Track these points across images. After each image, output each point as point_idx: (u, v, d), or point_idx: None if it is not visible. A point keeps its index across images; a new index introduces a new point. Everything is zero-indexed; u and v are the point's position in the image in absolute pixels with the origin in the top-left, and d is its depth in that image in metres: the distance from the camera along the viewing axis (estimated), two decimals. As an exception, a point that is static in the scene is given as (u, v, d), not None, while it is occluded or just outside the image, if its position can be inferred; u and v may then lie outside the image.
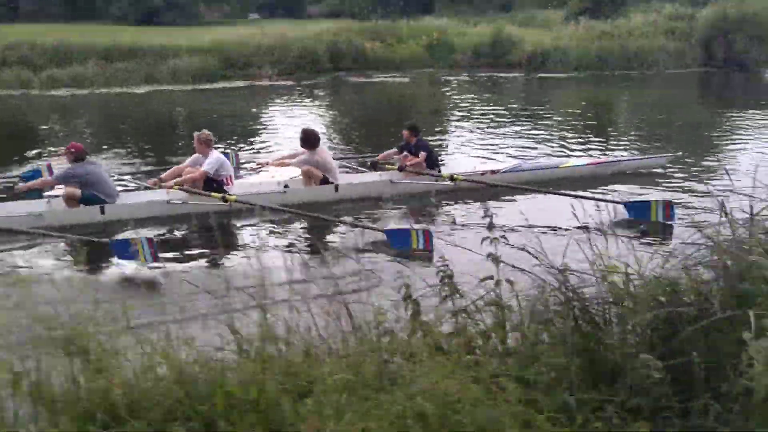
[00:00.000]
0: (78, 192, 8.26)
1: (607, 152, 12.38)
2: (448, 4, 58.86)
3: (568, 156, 11.98)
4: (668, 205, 7.98)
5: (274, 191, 9.01)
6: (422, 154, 9.70)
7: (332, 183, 9.27)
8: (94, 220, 8.19)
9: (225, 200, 8.18)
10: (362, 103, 20.66)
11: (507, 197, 9.23)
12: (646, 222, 7.91)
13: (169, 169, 9.38)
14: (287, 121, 16.34)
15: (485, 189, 9.32)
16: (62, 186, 8.46)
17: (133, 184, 9.77)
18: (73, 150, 8.44)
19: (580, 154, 12.19)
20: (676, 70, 26.97)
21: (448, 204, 9.15)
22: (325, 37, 27.44)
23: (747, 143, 13.42)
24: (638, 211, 8.07)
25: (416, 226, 7.35)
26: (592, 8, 35.56)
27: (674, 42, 28.04)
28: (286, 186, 9.23)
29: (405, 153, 9.86)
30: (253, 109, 19.26)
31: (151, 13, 43.90)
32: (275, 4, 67.90)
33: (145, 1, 41.38)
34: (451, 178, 9.31)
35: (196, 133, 8.97)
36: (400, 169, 9.64)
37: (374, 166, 10.19)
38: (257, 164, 10.53)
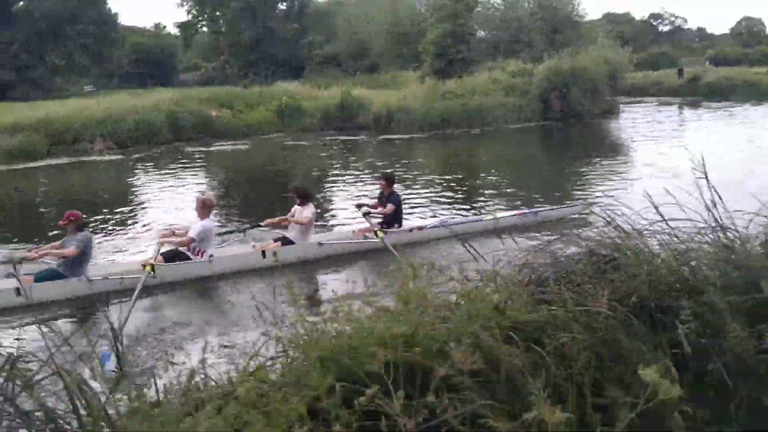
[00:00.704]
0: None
1: (482, 210, 12.29)
2: (317, 69, 59.79)
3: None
4: None
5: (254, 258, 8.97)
6: (390, 206, 9.84)
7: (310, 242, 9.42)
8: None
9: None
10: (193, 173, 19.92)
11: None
12: None
13: None
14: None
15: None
16: None
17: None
18: (72, 219, 8.22)
19: (456, 212, 12.18)
20: (516, 125, 27.73)
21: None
22: (163, 107, 26.71)
23: (609, 184, 14.18)
24: None
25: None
26: (444, 68, 36.63)
27: (514, 98, 28.93)
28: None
29: (379, 203, 10.11)
30: (74, 186, 18.27)
31: (4, 87, 42.27)
32: (144, 75, 67.43)
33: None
34: (375, 234, 9.29)
35: (199, 197, 9.01)
36: (365, 215, 9.80)
37: (359, 208, 10.19)
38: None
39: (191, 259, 8.62)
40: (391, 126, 27.43)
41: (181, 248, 8.66)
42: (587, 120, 28.07)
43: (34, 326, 5.88)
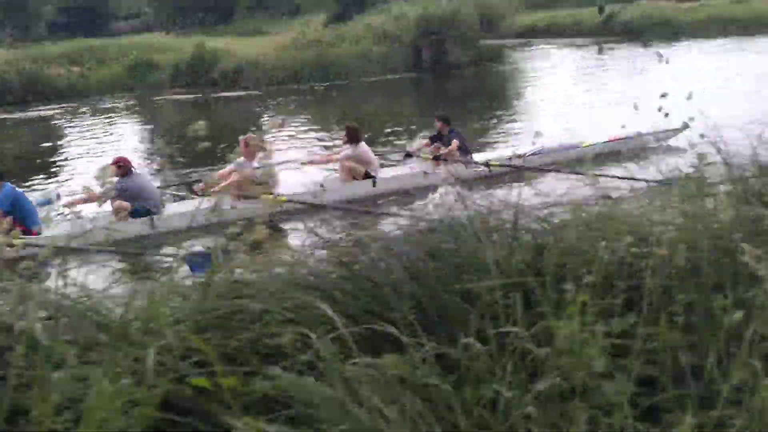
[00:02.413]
0: (128, 205, 8.43)
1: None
2: (247, 15, 56.76)
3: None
4: None
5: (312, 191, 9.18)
6: (455, 143, 9.92)
7: (372, 177, 9.59)
8: (144, 233, 8.21)
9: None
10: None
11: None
12: None
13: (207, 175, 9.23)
14: None
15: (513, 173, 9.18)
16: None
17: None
18: (120, 164, 8.56)
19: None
20: (380, 77, 25.26)
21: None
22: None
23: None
24: None
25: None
26: (343, 12, 33.98)
27: (385, 47, 26.37)
28: (321, 185, 9.52)
29: (437, 143, 10.15)
30: None
31: None
32: (75, 23, 64.07)
33: None
34: (486, 165, 9.61)
35: (242, 137, 8.87)
36: (435, 158, 9.84)
37: (408, 156, 10.46)
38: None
39: None
40: (238, 81, 24.95)
41: None
42: (460, 70, 25.60)
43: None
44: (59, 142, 17.85)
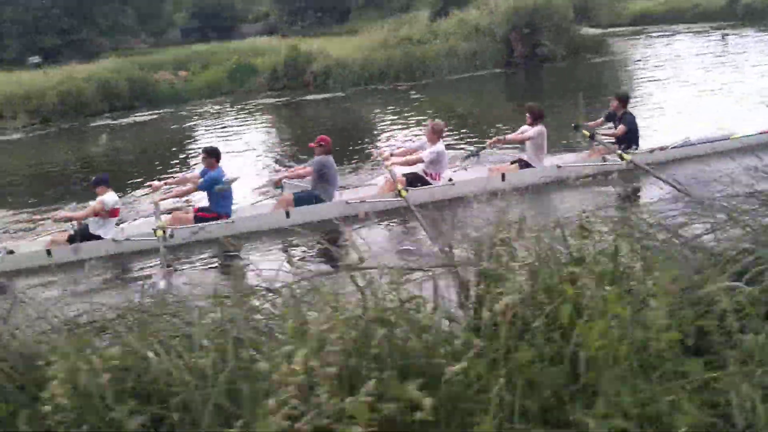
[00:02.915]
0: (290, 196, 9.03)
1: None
2: (362, 13, 57.56)
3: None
4: None
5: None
6: (621, 128, 9.55)
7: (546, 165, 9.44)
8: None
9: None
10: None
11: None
12: None
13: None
14: None
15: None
16: None
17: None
18: (322, 143, 8.97)
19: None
20: (468, 74, 24.80)
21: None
22: (99, 75, 25.96)
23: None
24: None
25: None
26: (444, 7, 33.73)
27: (475, 43, 25.82)
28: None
29: (610, 124, 9.95)
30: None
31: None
32: (205, 28, 67.60)
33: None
34: (621, 158, 8.89)
35: (430, 121, 9.38)
36: (591, 136, 9.60)
37: (576, 129, 10.11)
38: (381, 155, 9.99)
39: (430, 183, 9.05)
40: (327, 83, 25.36)
41: (417, 171, 9.20)
42: (554, 63, 24.64)
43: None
44: (160, 142, 18.91)
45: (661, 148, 9.73)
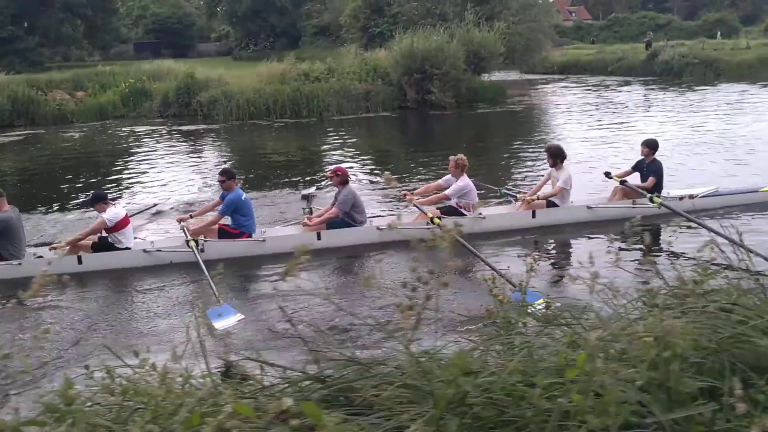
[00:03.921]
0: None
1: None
2: (311, 40, 57.50)
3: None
4: None
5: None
6: (651, 180, 9.44)
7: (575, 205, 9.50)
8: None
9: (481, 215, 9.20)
10: None
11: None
12: None
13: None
14: None
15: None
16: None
17: None
18: (339, 172, 9.21)
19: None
20: (357, 114, 24.28)
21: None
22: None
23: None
24: None
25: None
26: (367, 43, 33.54)
27: (366, 83, 25.36)
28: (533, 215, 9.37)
29: (637, 173, 9.78)
30: None
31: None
32: (160, 44, 67.16)
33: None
34: (651, 200, 8.87)
35: (452, 157, 9.36)
36: (622, 182, 9.54)
37: (607, 175, 9.90)
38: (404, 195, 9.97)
39: (464, 215, 9.11)
40: (212, 114, 24.70)
41: (452, 204, 9.31)
42: (445, 110, 24.18)
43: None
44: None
45: (691, 196, 9.50)
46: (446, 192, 9.22)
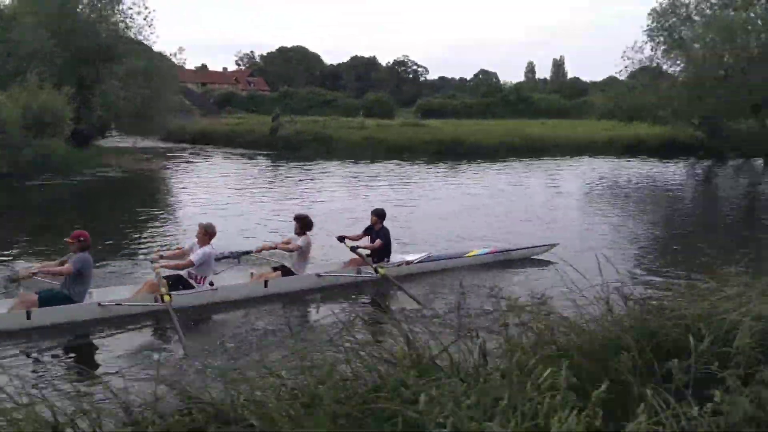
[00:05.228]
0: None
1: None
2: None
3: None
4: None
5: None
6: (378, 242, 10.20)
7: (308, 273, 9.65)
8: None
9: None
10: None
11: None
12: None
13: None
14: None
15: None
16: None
17: None
18: (83, 238, 8.26)
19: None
20: None
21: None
22: None
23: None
24: None
25: None
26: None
27: None
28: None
29: (368, 237, 10.42)
30: None
31: None
32: None
33: None
34: (376, 271, 9.47)
35: (200, 223, 9.14)
36: (352, 248, 9.94)
37: (340, 241, 10.27)
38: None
39: (193, 287, 8.71)
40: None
41: (182, 273, 8.73)
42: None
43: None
44: None
45: (407, 263, 10.41)
46: (191, 257, 8.74)
